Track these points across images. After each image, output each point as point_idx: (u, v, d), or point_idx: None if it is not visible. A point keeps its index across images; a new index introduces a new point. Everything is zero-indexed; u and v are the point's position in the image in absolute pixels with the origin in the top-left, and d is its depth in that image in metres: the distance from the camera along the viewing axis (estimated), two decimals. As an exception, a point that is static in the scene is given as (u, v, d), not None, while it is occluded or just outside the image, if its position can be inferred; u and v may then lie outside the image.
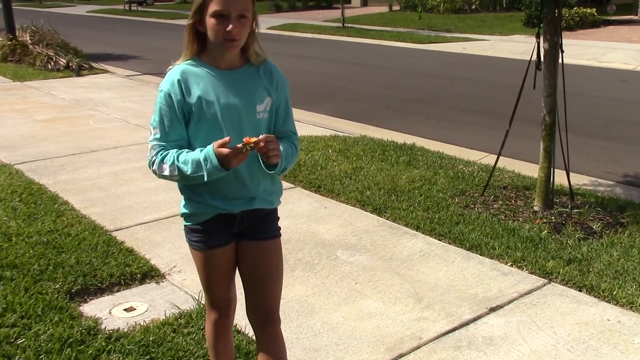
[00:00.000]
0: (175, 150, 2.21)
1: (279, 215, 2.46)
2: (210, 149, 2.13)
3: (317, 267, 4.07)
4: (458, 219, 4.79)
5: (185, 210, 2.35)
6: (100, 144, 7.12)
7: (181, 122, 2.22)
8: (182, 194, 2.37)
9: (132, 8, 36.53)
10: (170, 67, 2.28)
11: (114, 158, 6.55)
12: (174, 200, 5.24)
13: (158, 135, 2.22)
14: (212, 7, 2.14)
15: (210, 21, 2.15)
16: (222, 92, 2.24)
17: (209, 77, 2.24)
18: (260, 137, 2.10)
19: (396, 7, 30.70)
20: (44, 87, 10.98)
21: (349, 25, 24.10)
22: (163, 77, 2.28)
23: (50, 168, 6.17)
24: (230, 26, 2.13)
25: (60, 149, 6.89)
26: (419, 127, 8.46)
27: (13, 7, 14.16)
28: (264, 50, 2.34)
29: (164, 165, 2.20)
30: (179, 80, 2.21)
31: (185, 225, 2.38)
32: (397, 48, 18.75)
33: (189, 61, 2.26)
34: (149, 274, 3.88)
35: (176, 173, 2.18)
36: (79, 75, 12.48)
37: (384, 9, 30.88)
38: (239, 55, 2.28)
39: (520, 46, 17.57)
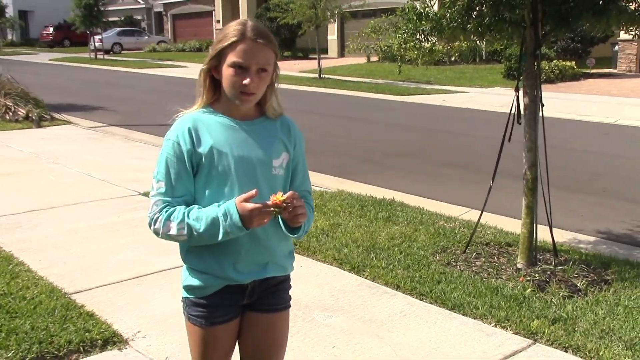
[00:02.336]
0: (183, 206, 2.12)
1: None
2: (232, 203, 2.05)
3: (292, 330, 4.01)
4: (440, 278, 4.80)
5: (189, 283, 2.23)
6: (61, 199, 7.05)
7: (190, 175, 2.14)
8: (184, 262, 2.26)
9: (99, 56, 36.73)
10: (179, 114, 2.23)
11: (75, 215, 6.48)
12: (138, 259, 5.20)
13: (162, 190, 2.13)
14: (231, 57, 2.10)
15: (227, 71, 2.12)
16: (237, 144, 2.17)
17: (222, 126, 2.18)
18: (289, 193, 2.04)
19: (374, 58, 31.24)
20: (0, 140, 10.90)
21: (326, 76, 24.48)
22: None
23: (4, 226, 6.09)
24: (248, 80, 2.10)
25: (16, 205, 6.81)
26: (399, 182, 8.54)
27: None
28: (281, 105, 2.30)
29: (171, 224, 2.09)
30: (189, 129, 2.14)
31: (185, 298, 2.27)
32: (376, 100, 19.04)
33: (202, 109, 2.21)
34: (111, 340, 3.80)
35: (185, 232, 2.08)
36: (39, 126, 12.45)
37: (362, 59, 31.40)
38: (255, 107, 2.24)
39: (500, 98, 17.92)
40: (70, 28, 40.40)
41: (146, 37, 48.36)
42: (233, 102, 2.17)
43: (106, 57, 38.07)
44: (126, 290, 4.59)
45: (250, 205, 2.02)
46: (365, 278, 4.89)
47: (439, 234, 5.90)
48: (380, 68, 28.02)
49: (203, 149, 2.13)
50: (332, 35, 36.26)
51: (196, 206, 2.11)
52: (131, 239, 5.74)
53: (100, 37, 39.07)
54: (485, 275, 4.92)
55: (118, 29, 47.77)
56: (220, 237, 2.06)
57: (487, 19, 4.86)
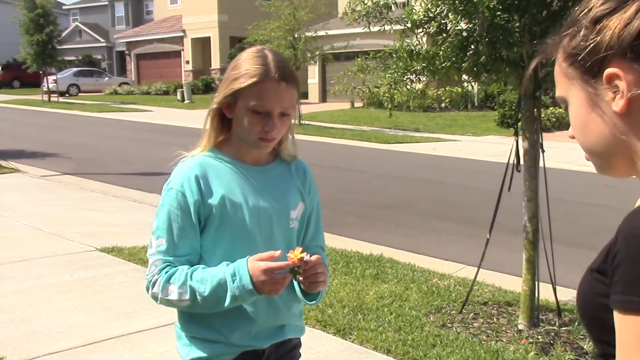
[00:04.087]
0: (186, 266, 2.03)
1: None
2: (243, 263, 1.96)
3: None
4: (434, 341, 4.79)
5: (196, 356, 2.12)
6: (5, 256, 6.96)
7: (196, 230, 2.06)
8: (183, 330, 2.17)
9: (52, 99, 36.73)
10: (181, 159, 2.15)
11: (21, 273, 6.39)
12: (95, 323, 5.13)
13: (163, 247, 2.04)
14: (251, 100, 2.02)
15: (244, 114, 2.04)
16: (251, 193, 2.11)
17: (233, 173, 2.12)
18: (313, 258, 1.96)
19: (359, 104, 31.58)
20: (-61, 191, 10.79)
21: (306, 122, 24.67)
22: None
23: (-60, 285, 5.99)
24: (270, 126, 2.03)
25: (-45, 261, 6.71)
26: (387, 236, 8.57)
27: None
28: (297, 146, 2.28)
29: (171, 287, 2.01)
30: (196, 177, 2.06)
31: None
32: (361, 148, 19.20)
33: (207, 153, 2.14)
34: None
35: (187, 297, 1.99)
36: (-17, 176, 12.35)
37: (345, 105, 31.72)
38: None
39: (494, 147, 18.11)
40: (21, 67, 40.47)
41: (107, 78, 48.50)
42: (247, 146, 2.12)
43: (61, 99, 38.06)
44: (80, 359, 4.52)
45: (263, 265, 1.93)
46: (353, 342, 4.86)
47: (433, 292, 5.91)
48: (365, 114, 28.30)
49: (213, 200, 2.06)
50: (313, 79, 36.68)
51: (201, 266, 2.04)
52: (86, 300, 5.67)
53: (54, 77, 39.13)
54: (484, 337, 4.92)
55: (75, 68, 47.81)
56: (227, 303, 1.97)
57: (483, 57, 4.95)
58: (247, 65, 2.05)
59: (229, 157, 2.15)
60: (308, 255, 1.96)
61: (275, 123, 2.05)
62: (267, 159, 2.21)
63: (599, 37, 1.13)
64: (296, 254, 1.94)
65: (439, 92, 28.56)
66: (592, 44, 1.14)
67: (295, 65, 24.09)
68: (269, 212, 2.13)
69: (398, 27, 5.26)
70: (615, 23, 1.11)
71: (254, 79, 2.02)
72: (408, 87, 5.27)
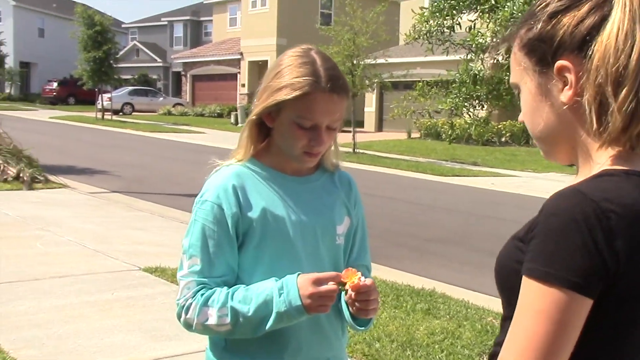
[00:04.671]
0: (224, 287, 1.89)
1: None
2: (292, 278, 1.83)
3: None
4: (487, 385, 4.59)
5: None
6: (46, 271, 6.98)
7: (234, 247, 1.92)
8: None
9: (106, 117, 37.36)
10: (215, 170, 2.02)
11: (61, 289, 6.39)
12: (133, 344, 5.07)
13: (197, 267, 1.89)
14: (297, 113, 1.88)
15: (290, 126, 1.90)
16: (293, 206, 1.98)
17: (273, 184, 1.99)
18: (367, 281, 1.84)
19: (415, 134, 31.45)
20: (-15, 200, 10.98)
21: (361, 151, 24.61)
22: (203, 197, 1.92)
23: (-21, 297, 6.01)
24: (317, 141, 1.92)
25: (-5, 274, 6.74)
26: (440, 271, 8.40)
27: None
28: (340, 155, 2.15)
29: (209, 310, 1.86)
30: (234, 187, 1.93)
31: None
32: (416, 179, 19.06)
33: (245, 163, 2.00)
34: None
35: (229, 320, 1.84)
36: (30, 188, 12.53)
37: (402, 135, 31.61)
38: None
39: (557, 185, 17.41)
40: (77, 84, 41.32)
41: (161, 98, 49.25)
42: (289, 158, 1.99)
43: (115, 117, 38.74)
44: (114, 378, 4.45)
45: (312, 275, 1.81)
46: (399, 380, 4.69)
47: (487, 331, 5.72)
48: (421, 145, 28.16)
49: (253, 213, 1.92)
50: (370, 107, 36.68)
51: (242, 286, 1.89)
52: (126, 319, 5.63)
53: (109, 95, 39.88)
54: (543, 384, 4.69)
55: (130, 87, 48.73)
56: (270, 324, 1.82)
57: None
58: (292, 73, 1.90)
59: (269, 166, 2.02)
60: (363, 277, 1.84)
61: (322, 137, 1.93)
62: (309, 169, 2.09)
63: (553, 31, 1.25)
64: (350, 275, 1.81)
65: (499, 126, 28.25)
66: (546, 37, 1.25)
67: (353, 92, 24.06)
68: (314, 226, 2.00)
69: (454, 57, 5.13)
70: (569, 20, 1.23)
71: (301, 91, 1.87)
72: (470, 113, 5.11)
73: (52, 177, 13.65)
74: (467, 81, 4.91)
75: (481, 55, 4.83)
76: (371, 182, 17.85)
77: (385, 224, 11.57)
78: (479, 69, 4.94)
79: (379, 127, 36.58)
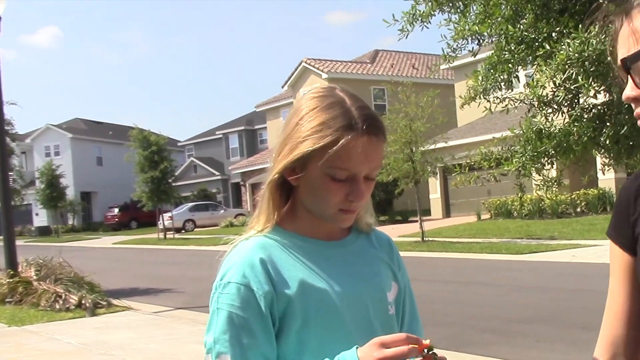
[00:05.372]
0: None
1: None
2: (350, 353, 1.51)
3: None
4: None
5: None
6: (110, 396, 6.73)
7: (271, 334, 1.60)
8: None
9: (168, 236, 37.69)
10: (232, 246, 1.73)
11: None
12: None
13: None
14: (330, 163, 1.59)
15: (321, 181, 1.62)
16: (335, 275, 1.68)
17: (306, 252, 1.69)
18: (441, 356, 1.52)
19: (485, 216, 30.88)
20: (47, 331, 10.88)
21: (430, 238, 24.15)
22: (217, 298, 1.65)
23: None
24: (356, 194, 1.63)
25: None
26: (530, 353, 7.99)
27: (23, 244, 14.67)
28: (373, 214, 1.86)
29: None
30: (262, 261, 1.62)
31: None
32: (491, 261, 18.57)
33: (267, 233, 1.70)
34: None
35: None
36: (93, 314, 12.42)
37: (471, 218, 31.09)
38: None
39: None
40: (137, 207, 42.02)
41: (222, 211, 49.63)
42: (319, 220, 1.71)
43: (177, 236, 39.09)
44: None
45: (377, 340, 1.47)
46: None
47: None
48: (493, 226, 27.58)
49: (290, 289, 1.61)
50: (435, 194, 36.27)
51: None
52: None
53: (170, 214, 40.34)
54: None
55: (190, 204, 49.33)
56: None
57: (625, 128, 4.43)
58: (318, 117, 1.62)
59: (296, 233, 1.71)
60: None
61: (361, 190, 1.63)
62: (342, 231, 1.78)
63: None
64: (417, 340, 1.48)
65: (573, 196, 27.56)
66: None
67: (414, 179, 23.79)
68: (363, 297, 1.69)
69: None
70: None
71: (333, 137, 1.58)
72: (540, 173, 4.75)
73: (115, 301, 13.60)
74: (533, 137, 4.55)
75: (544, 108, 4.51)
76: (444, 269, 17.48)
77: (465, 310, 11.16)
78: (543, 123, 4.60)
79: (447, 213, 36.04)
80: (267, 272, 1.61)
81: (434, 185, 35.62)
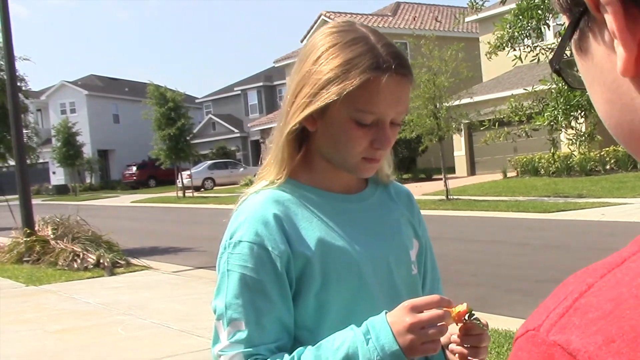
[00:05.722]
0: (285, 355, 1.43)
1: None
2: (379, 317, 1.39)
3: None
4: None
5: None
6: (129, 357, 6.82)
7: (287, 298, 1.49)
8: None
9: (187, 194, 37.78)
10: (241, 200, 1.62)
11: (144, 374, 6.15)
12: None
13: (243, 334, 1.44)
14: (356, 105, 1.47)
15: (345, 126, 1.49)
16: (356, 233, 1.57)
17: (324, 207, 1.57)
18: (484, 321, 1.44)
19: (512, 174, 30.67)
20: (65, 291, 10.97)
21: (455, 197, 24.03)
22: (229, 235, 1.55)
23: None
24: (382, 141, 1.51)
25: (74, 365, 6.57)
26: (559, 314, 7.78)
27: (41, 202, 14.72)
28: (392, 164, 1.75)
29: None
30: (276, 217, 1.50)
31: None
32: (518, 220, 18.48)
33: (280, 185, 1.58)
34: None
35: None
36: (112, 273, 12.50)
37: (497, 176, 30.89)
38: None
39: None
40: (155, 165, 42.10)
41: (242, 169, 49.57)
42: (335, 170, 1.59)
43: (196, 194, 39.20)
44: None
45: (407, 303, 1.38)
46: None
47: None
48: (520, 184, 27.41)
49: (307, 249, 1.50)
50: (459, 151, 36.07)
51: (308, 347, 1.44)
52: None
53: (189, 172, 40.38)
54: None
55: (209, 162, 49.40)
56: None
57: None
58: (341, 55, 1.47)
59: (311, 186, 1.60)
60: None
61: (388, 136, 1.52)
62: (359, 184, 1.68)
63: None
64: (458, 308, 1.39)
65: (602, 153, 27.26)
66: None
67: (439, 135, 23.58)
68: (386, 256, 1.59)
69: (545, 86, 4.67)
70: None
71: (361, 78, 1.44)
72: (572, 126, 4.61)
73: (134, 260, 13.68)
74: (565, 89, 4.40)
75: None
76: (470, 228, 17.39)
77: (491, 270, 11.09)
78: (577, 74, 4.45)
79: (472, 171, 35.85)
80: (282, 229, 1.50)
81: (459, 143, 35.38)
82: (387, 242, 1.61)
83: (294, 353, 1.43)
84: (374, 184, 1.71)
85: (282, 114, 1.59)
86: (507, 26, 4.59)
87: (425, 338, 1.34)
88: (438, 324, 1.36)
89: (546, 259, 11.85)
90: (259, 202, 1.55)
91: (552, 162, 26.91)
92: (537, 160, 28.97)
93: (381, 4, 44.67)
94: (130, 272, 12.83)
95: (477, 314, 1.46)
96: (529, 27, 4.53)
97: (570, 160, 27.55)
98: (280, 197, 1.55)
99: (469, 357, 1.44)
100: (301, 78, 1.53)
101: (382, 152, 1.54)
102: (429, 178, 35.64)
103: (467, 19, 39.61)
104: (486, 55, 5.01)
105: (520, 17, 4.41)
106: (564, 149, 26.18)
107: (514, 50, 4.69)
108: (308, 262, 1.49)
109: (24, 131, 15.75)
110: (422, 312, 1.37)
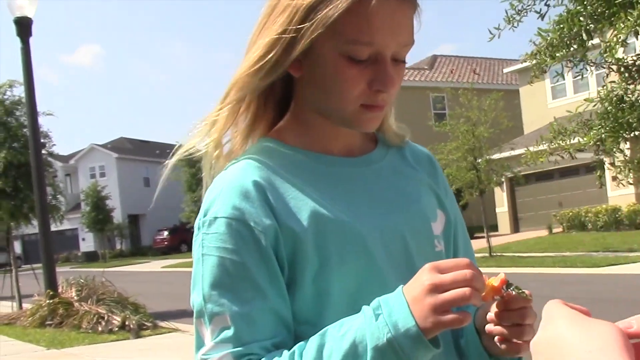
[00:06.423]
0: (284, 352, 1.18)
1: None
2: (395, 293, 1.14)
3: None
4: None
5: None
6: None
7: (280, 281, 1.24)
8: None
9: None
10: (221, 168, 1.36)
11: None
12: None
13: (230, 332, 1.20)
14: (347, 35, 1.21)
15: (335, 65, 1.24)
16: (360, 201, 1.31)
17: (319, 171, 1.32)
18: (527, 291, 1.20)
19: (557, 229, 30.19)
20: (88, 354, 10.78)
21: (498, 254, 23.64)
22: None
23: None
24: (383, 80, 1.24)
25: None
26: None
27: (69, 270, 14.63)
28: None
29: None
30: (257, 185, 1.26)
31: None
32: (565, 275, 18.20)
33: (261, 144, 1.35)
34: None
35: None
36: (137, 336, 12.32)
37: (542, 232, 30.48)
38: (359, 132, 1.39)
39: None
40: (186, 228, 42.15)
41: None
42: (331, 126, 1.34)
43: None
44: None
45: (426, 271, 1.11)
46: None
47: None
48: (566, 239, 27.00)
49: (299, 223, 1.24)
50: (502, 207, 35.65)
51: (310, 339, 1.19)
52: None
53: (221, 235, 40.25)
54: None
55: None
56: None
57: None
58: None
59: (300, 147, 1.34)
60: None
61: (390, 73, 1.24)
62: (365, 145, 1.41)
63: None
64: (492, 281, 1.14)
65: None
66: None
67: (480, 189, 23.23)
68: (400, 229, 1.31)
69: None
70: None
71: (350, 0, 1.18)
72: (621, 149, 4.36)
73: (162, 323, 13.49)
74: (612, 107, 4.14)
75: (624, 72, 4.11)
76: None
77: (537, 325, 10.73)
78: (623, 88, 4.19)
79: (515, 228, 35.37)
80: (266, 200, 1.24)
81: (501, 198, 35.03)
82: (402, 213, 1.33)
83: (295, 347, 1.18)
84: (384, 144, 1.45)
85: (247, 61, 1.31)
86: (547, 35, 4.39)
87: (446, 305, 1.08)
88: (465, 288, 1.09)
89: (599, 313, 11.34)
90: (237, 169, 1.30)
91: (599, 216, 26.42)
92: (583, 214, 28.50)
93: (417, 57, 44.65)
94: (157, 334, 12.64)
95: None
96: (571, 35, 4.29)
97: (619, 213, 27.05)
98: (261, 161, 1.31)
99: (512, 340, 1.20)
100: (277, 7, 1.28)
101: (384, 96, 1.27)
102: (470, 236, 34.72)
103: (505, 70, 39.63)
104: (529, 80, 4.79)
105: (561, 25, 4.19)
106: (610, 196, 25.68)
107: (553, 59, 4.44)
108: (300, 239, 1.24)
109: (48, 189, 15.68)
110: (445, 271, 1.11)
